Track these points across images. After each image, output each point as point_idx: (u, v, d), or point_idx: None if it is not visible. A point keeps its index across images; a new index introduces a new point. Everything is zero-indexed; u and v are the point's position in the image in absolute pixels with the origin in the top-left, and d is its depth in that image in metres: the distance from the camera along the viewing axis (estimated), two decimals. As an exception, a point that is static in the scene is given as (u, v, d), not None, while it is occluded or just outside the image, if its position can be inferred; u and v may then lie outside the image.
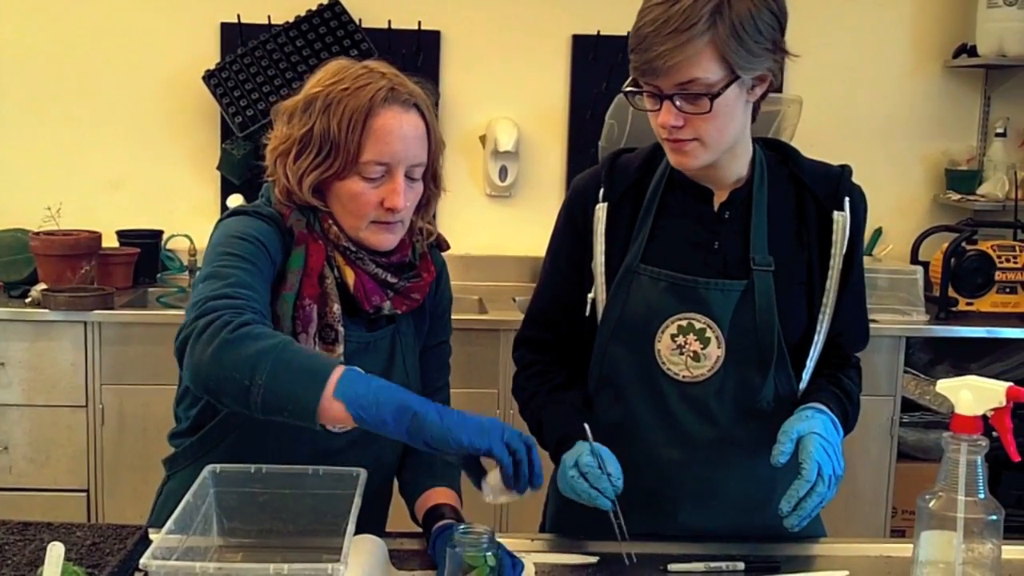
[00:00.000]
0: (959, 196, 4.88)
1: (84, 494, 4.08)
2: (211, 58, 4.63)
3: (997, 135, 4.92)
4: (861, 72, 4.96)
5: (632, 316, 2.09)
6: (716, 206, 2.09)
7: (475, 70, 4.75)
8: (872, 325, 4.09)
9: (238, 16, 4.59)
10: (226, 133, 4.64)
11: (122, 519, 2.06)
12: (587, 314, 2.14)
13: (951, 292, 4.49)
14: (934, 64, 4.98)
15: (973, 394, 1.72)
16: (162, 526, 1.68)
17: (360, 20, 4.58)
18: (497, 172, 4.71)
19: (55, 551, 1.63)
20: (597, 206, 2.14)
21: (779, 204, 2.08)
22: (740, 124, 1.99)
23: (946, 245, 4.53)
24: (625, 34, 1.97)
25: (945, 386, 1.76)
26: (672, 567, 1.93)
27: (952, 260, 4.47)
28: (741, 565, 1.94)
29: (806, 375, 2.10)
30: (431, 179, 2.08)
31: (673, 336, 2.06)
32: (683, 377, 2.07)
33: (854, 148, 4.85)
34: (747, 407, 2.07)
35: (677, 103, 1.91)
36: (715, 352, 2.05)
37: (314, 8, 4.56)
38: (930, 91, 5.00)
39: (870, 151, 4.93)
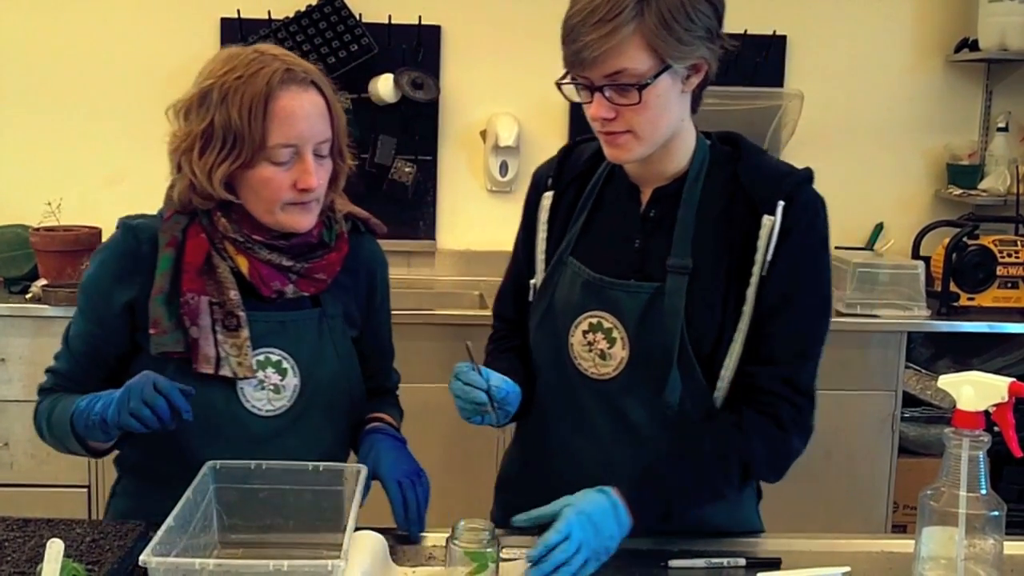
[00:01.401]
0: (960, 191, 4.87)
1: (84, 490, 4.07)
2: (211, 53, 4.50)
3: (999, 130, 4.90)
4: (862, 66, 4.92)
5: (554, 308, 2.10)
6: (643, 204, 2.06)
7: (476, 65, 4.73)
8: (873, 320, 4.20)
9: (238, 11, 4.57)
10: (226, 128, 4.61)
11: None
12: (530, 299, 2.17)
13: (952, 287, 4.47)
14: (935, 58, 4.95)
15: (975, 390, 1.72)
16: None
17: (360, 15, 4.56)
18: (498, 167, 4.69)
19: (55, 548, 1.63)
20: (544, 194, 2.17)
21: (712, 204, 2.02)
22: (675, 116, 1.95)
23: (948, 240, 4.51)
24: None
25: (947, 382, 1.75)
26: (673, 563, 1.92)
27: (954, 255, 4.46)
28: (742, 561, 1.94)
29: (721, 384, 2.01)
30: (338, 152, 2.08)
31: (584, 332, 2.05)
32: (591, 373, 2.06)
33: (855, 143, 4.93)
34: (656, 404, 2.01)
35: (607, 94, 1.89)
36: (620, 352, 2.03)
37: (314, 3, 4.54)
38: (931, 85, 4.97)
39: (871, 146, 4.94)
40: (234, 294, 2.03)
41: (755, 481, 2.17)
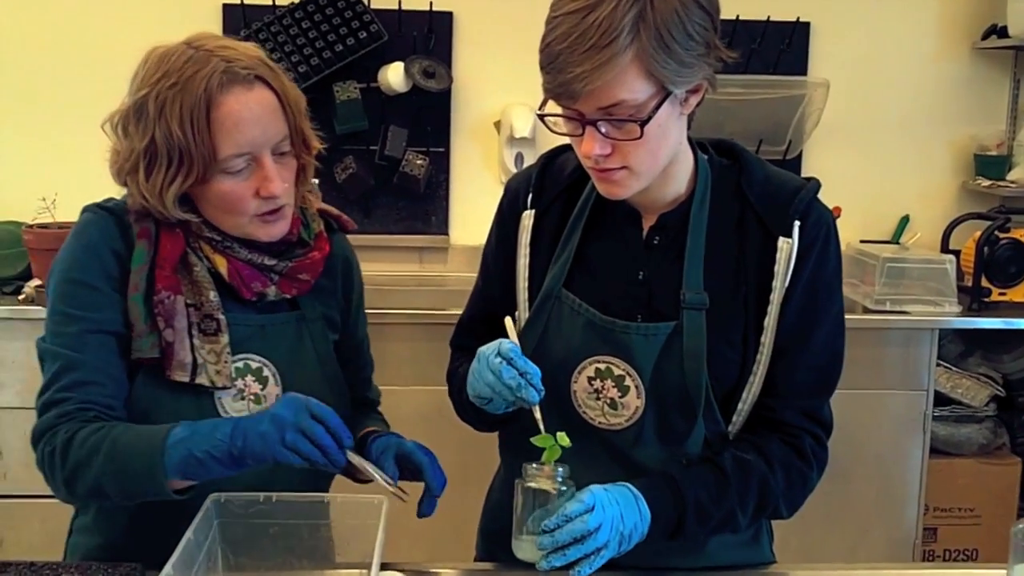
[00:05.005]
0: (989, 182, 4.77)
1: (83, 500, 3.94)
2: (213, 41, 4.46)
3: (1028, 119, 4.81)
4: (887, 54, 4.83)
5: (549, 348, 1.89)
6: (645, 230, 1.88)
7: (489, 53, 4.62)
8: (903, 317, 4.07)
9: (240, -3, 4.46)
10: (228, 119, 4.48)
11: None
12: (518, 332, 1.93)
13: (984, 282, 4.38)
14: (962, 46, 4.86)
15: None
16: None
17: (369, 1, 4.44)
18: (512, 159, 4.57)
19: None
20: (524, 212, 1.95)
21: (720, 226, 1.85)
22: (674, 142, 1.76)
23: (978, 233, 4.44)
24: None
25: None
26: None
27: (985, 249, 4.38)
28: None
29: (737, 419, 1.87)
30: (300, 145, 1.90)
31: (590, 379, 1.86)
32: (599, 424, 1.87)
33: (879, 133, 4.87)
34: (674, 455, 1.85)
35: (602, 129, 1.67)
36: (634, 402, 1.84)
37: (320, -12, 4.43)
38: (958, 74, 4.89)
39: (896, 136, 4.87)
40: (213, 295, 1.87)
41: (767, 519, 2.01)
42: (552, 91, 1.67)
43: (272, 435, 1.65)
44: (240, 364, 1.91)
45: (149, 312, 1.83)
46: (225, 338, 1.87)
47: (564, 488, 1.70)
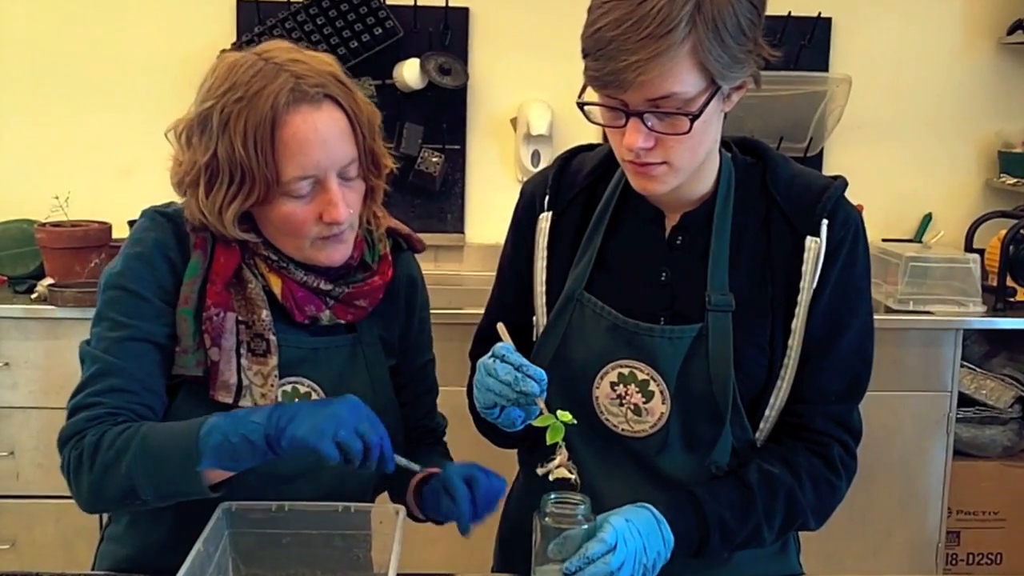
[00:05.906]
0: (1014, 180, 4.70)
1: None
2: (227, 37, 4.46)
3: (1054, 115, 4.74)
4: (909, 50, 4.77)
5: (570, 353, 1.84)
6: (668, 230, 1.83)
7: (506, 49, 4.57)
8: (926, 317, 4.01)
9: (255, -7, 4.44)
10: (243, 117, 4.44)
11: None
12: (534, 339, 1.89)
13: (1009, 281, 4.30)
14: (987, 41, 4.80)
15: None
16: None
17: (384, -3, 4.42)
18: (529, 157, 4.54)
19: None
20: (541, 215, 1.90)
21: (745, 225, 1.80)
22: (713, 139, 1.72)
23: (1003, 232, 4.35)
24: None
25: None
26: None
27: (1010, 248, 4.29)
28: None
29: (764, 426, 1.81)
30: (369, 167, 1.83)
31: (613, 384, 1.81)
32: (623, 431, 1.82)
33: (902, 130, 4.81)
34: (700, 463, 1.79)
35: (648, 123, 1.62)
36: (659, 408, 1.79)
37: (335, -16, 4.39)
38: (983, 69, 4.82)
39: (919, 133, 4.81)
40: (265, 314, 1.80)
41: (795, 531, 1.95)
42: (599, 79, 1.61)
43: (327, 430, 1.59)
44: (288, 388, 1.85)
45: (198, 328, 1.78)
46: (274, 360, 1.81)
47: (586, 526, 1.63)
